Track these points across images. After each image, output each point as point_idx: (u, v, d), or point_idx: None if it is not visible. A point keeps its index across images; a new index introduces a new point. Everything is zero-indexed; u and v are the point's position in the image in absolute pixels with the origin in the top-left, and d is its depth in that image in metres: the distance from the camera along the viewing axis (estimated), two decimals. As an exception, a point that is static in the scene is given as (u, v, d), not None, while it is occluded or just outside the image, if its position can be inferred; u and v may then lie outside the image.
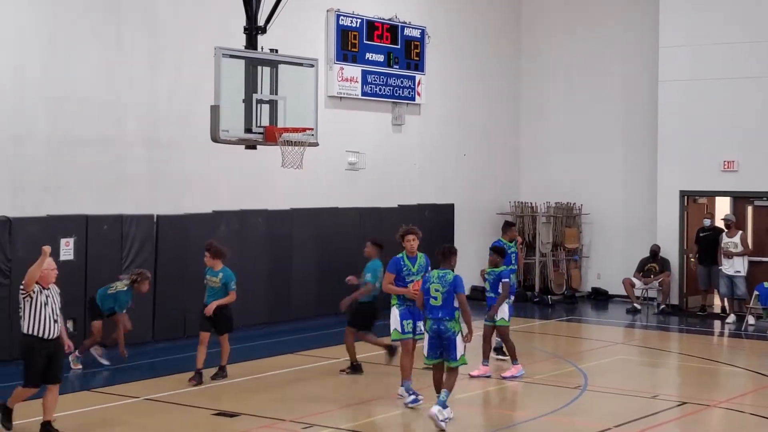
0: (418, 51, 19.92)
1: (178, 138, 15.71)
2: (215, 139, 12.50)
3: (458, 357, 10.40)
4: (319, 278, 17.64)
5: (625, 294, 20.33)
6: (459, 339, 10.38)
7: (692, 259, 20.03)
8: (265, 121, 12.87)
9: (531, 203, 22.15)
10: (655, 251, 20.16)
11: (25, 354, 9.66)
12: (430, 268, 11.24)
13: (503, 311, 13.16)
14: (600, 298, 21.55)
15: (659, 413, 11.32)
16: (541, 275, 21.59)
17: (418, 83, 19.95)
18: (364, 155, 18.92)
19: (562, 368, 13.74)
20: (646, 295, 20.32)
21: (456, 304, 10.41)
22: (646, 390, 12.45)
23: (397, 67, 19.49)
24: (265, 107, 12.92)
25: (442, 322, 10.37)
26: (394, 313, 11.50)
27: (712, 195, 20.68)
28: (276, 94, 13.00)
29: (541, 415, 11.16)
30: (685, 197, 20.34)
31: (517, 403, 12.10)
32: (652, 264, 20.15)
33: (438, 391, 10.49)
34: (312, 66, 13.69)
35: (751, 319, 17.89)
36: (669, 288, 19.95)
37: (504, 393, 12.43)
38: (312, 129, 13.33)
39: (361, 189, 18.95)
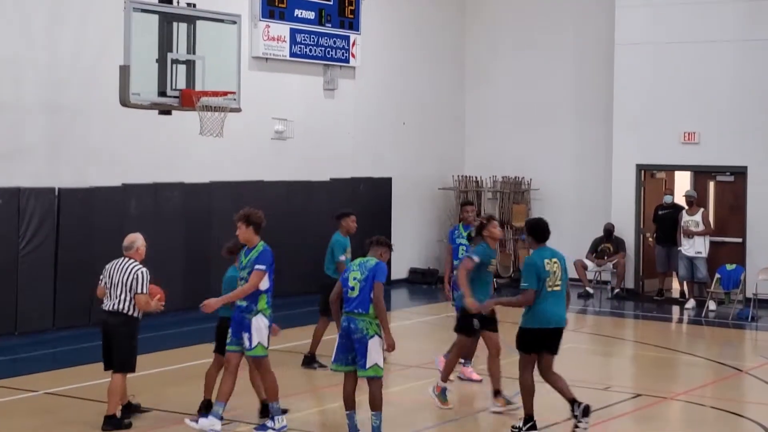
0: (353, 8, 19.83)
1: (83, 102, 15.46)
2: (125, 103, 12.36)
3: (368, 365, 9.39)
4: (242, 259, 17.52)
5: (577, 277, 20.55)
6: (373, 343, 9.41)
7: (650, 239, 20.35)
8: (182, 84, 12.73)
9: (476, 177, 22.27)
10: (609, 230, 20.43)
11: (135, 336, 10.25)
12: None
13: None
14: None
15: (612, 406, 11.50)
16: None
17: (353, 44, 19.87)
18: (292, 123, 18.82)
19: (508, 357, 13.81)
20: (599, 278, 20.61)
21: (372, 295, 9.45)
22: (599, 381, 12.64)
23: (330, 25, 19.39)
24: (182, 68, 12.79)
25: (354, 319, 9.44)
26: None
27: (671, 169, 21.03)
28: (194, 53, 12.87)
29: (485, 409, 11.27)
30: (642, 171, 20.64)
31: (462, 396, 12.16)
32: (606, 244, 20.42)
33: (347, 407, 9.64)
34: (234, 23, 13.58)
35: (712, 305, 18.24)
36: (624, 270, 20.24)
37: (450, 385, 12.48)
38: (234, 93, 13.24)
39: (288, 160, 18.87)
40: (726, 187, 20.14)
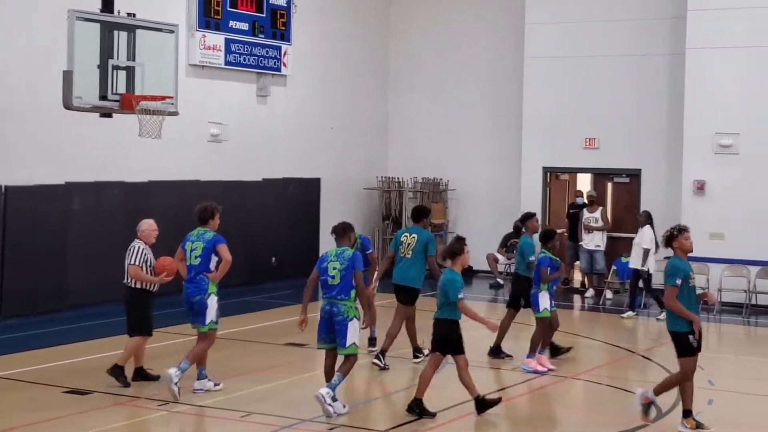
0: (284, 20, 19.77)
1: (29, 104, 15.17)
2: (68, 106, 12.15)
3: (348, 344, 9.83)
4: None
5: (489, 269, 20.79)
6: (352, 324, 9.84)
7: (564, 234, 20.58)
8: (122, 89, 12.55)
9: (398, 178, 22.36)
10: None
11: (139, 304, 11.04)
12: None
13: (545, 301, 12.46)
14: (465, 274, 21.84)
15: (520, 384, 11.66)
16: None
17: (284, 54, 19.82)
18: (227, 126, 18.72)
19: (426, 344, 13.92)
20: (509, 270, 20.81)
21: (354, 282, 9.96)
22: (509, 362, 12.77)
23: (263, 36, 19.31)
24: (122, 74, 12.60)
25: (336, 304, 9.83)
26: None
27: (573, 171, 21.36)
28: (133, 60, 12.70)
29: (402, 389, 11.33)
30: (548, 174, 20.93)
31: (376, 379, 12.21)
32: (515, 239, 20.62)
33: (327, 380, 10.06)
34: (172, 32, 13.43)
35: (609, 294, 18.59)
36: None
37: (363, 369, 12.51)
38: (172, 97, 13.09)
39: (224, 161, 18.74)
40: (622, 187, 20.53)
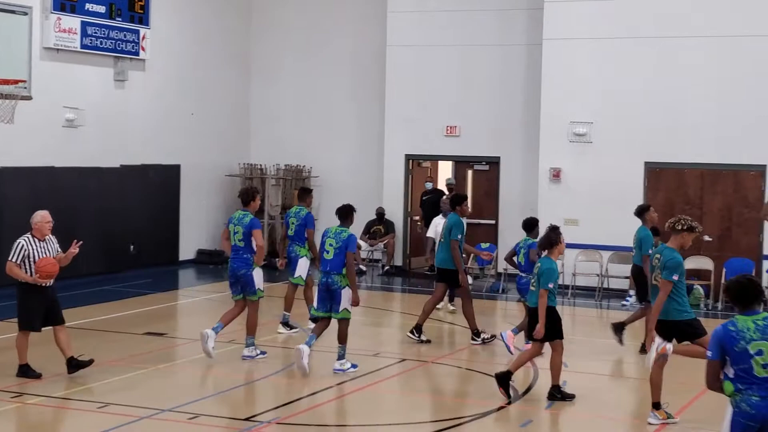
0: (142, 4, 19.47)
1: None
2: None
3: (341, 309, 11.25)
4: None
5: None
6: (345, 292, 11.19)
7: (419, 223, 21.00)
8: (-28, 71, 12.24)
9: (260, 165, 22.35)
10: (380, 214, 20.99)
11: (24, 298, 10.79)
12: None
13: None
14: (327, 261, 22.13)
15: (380, 370, 11.90)
16: (270, 238, 21.84)
17: (143, 38, 19.52)
18: (83, 111, 18.36)
19: (293, 332, 14.05)
20: (371, 257, 21.14)
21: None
22: (370, 348, 13.02)
23: (120, 19, 18.98)
24: (-28, 56, 12.30)
25: (330, 275, 11.20)
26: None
27: (435, 159, 21.79)
28: (-16, 42, 12.39)
29: (263, 377, 11.43)
30: (410, 161, 21.30)
31: (242, 368, 12.26)
32: (378, 226, 20.99)
33: (314, 333, 11.41)
34: (25, 14, 13.23)
35: (469, 279, 19.00)
36: (393, 250, 20.87)
37: (225, 356, 12.57)
38: (25, 81, 12.91)
39: (80, 147, 18.39)
40: (482, 175, 21.08)
